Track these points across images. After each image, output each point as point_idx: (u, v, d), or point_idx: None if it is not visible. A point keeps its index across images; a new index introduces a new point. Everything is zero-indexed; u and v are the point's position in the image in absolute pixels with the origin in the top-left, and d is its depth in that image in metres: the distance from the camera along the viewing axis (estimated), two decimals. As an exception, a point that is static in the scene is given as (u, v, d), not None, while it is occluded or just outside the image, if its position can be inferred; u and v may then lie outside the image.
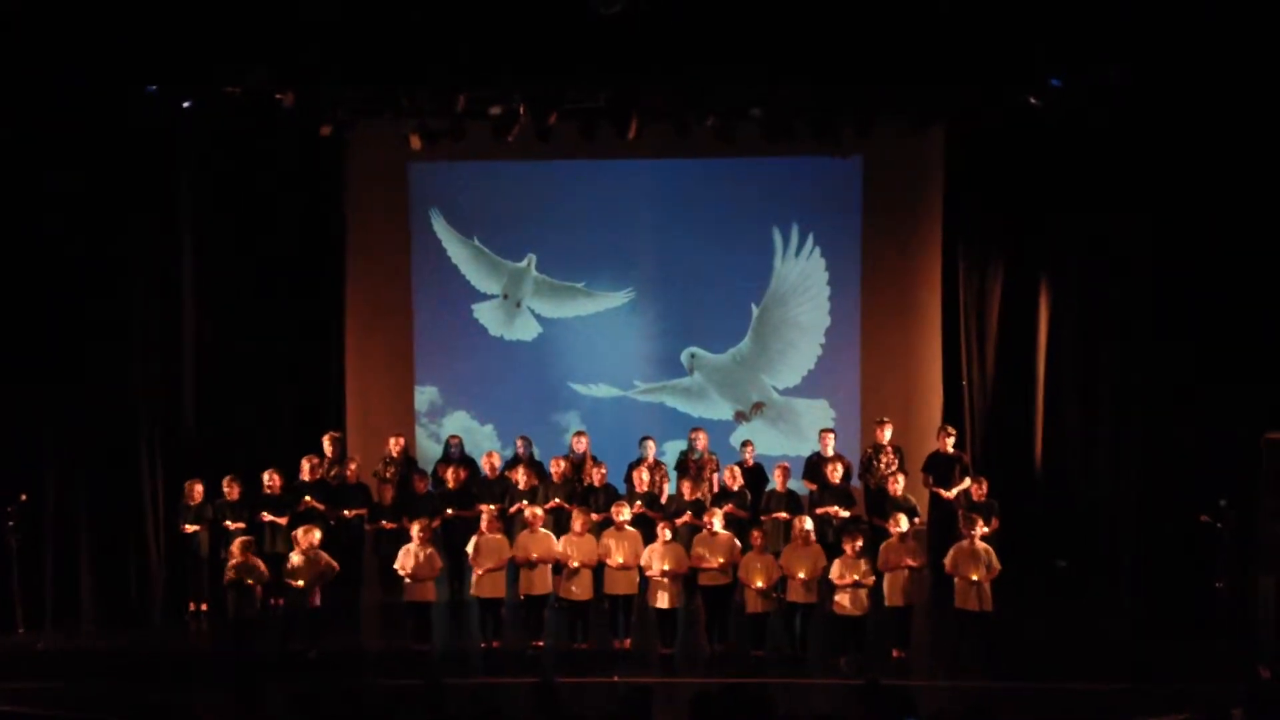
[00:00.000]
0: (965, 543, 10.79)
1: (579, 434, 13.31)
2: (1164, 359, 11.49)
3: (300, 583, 10.87)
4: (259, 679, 10.48)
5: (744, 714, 7.17)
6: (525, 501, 12.10)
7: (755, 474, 12.66)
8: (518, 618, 11.52)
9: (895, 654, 10.88)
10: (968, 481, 12.45)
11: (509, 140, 13.06)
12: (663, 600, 10.97)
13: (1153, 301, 11.62)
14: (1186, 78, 11.08)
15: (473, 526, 11.62)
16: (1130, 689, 10.16)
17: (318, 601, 11.05)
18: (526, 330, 15.18)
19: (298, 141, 13.57)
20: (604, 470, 12.45)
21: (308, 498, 12.31)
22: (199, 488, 12.17)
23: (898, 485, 11.97)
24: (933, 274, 14.47)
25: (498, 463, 12.85)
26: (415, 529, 11.19)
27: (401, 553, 11.23)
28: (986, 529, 11.07)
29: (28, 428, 11.72)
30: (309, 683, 10.20)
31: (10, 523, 11.45)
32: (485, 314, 15.20)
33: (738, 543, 11.08)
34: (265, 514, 12.13)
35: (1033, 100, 12.45)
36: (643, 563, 11.04)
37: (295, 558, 10.98)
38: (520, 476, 12.45)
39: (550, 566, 11.24)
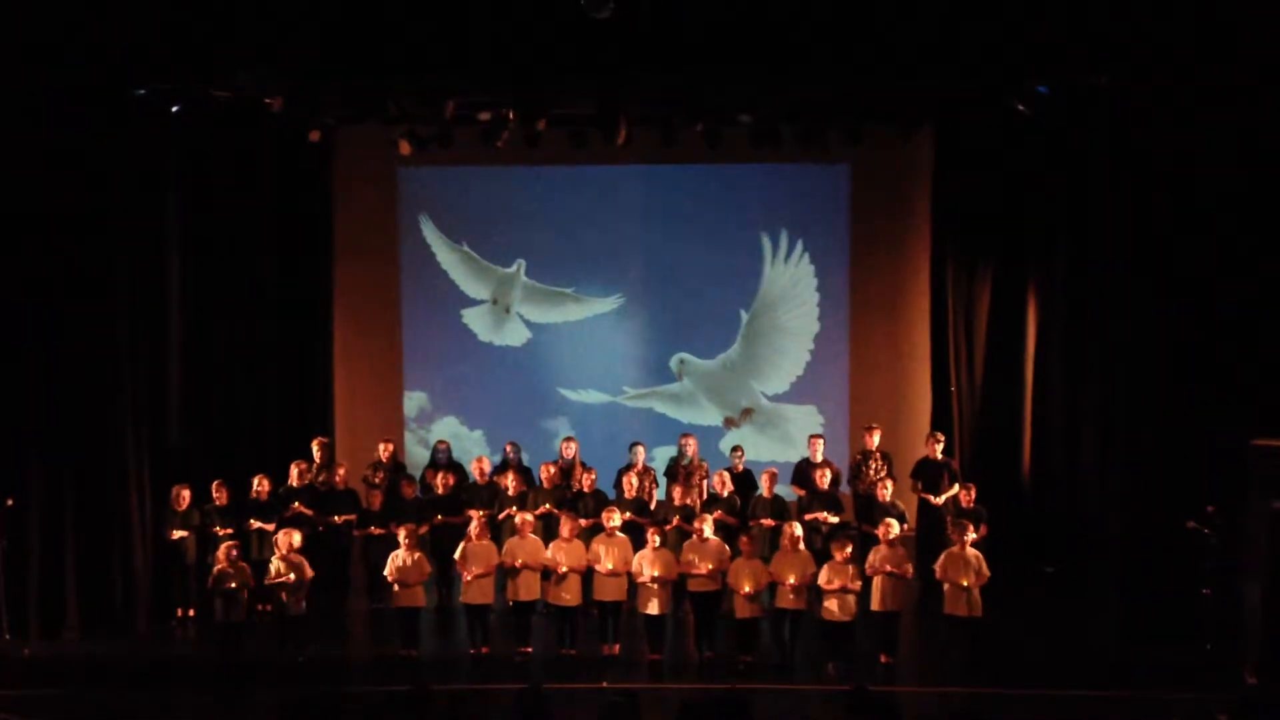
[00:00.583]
0: (954, 548, 10.80)
1: (568, 439, 13.29)
2: (1151, 365, 11.52)
3: (292, 576, 10.82)
4: (245, 685, 10.48)
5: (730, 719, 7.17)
6: (514, 507, 12.08)
7: (745, 480, 12.66)
8: (506, 623, 11.50)
9: (883, 660, 10.88)
10: (956, 487, 12.46)
11: (498, 145, 13.08)
12: (651, 606, 10.95)
13: (1140, 308, 11.64)
14: (1172, 84, 11.11)
15: (461, 532, 11.59)
16: (1117, 695, 10.18)
17: (303, 607, 11.01)
18: (516, 335, 15.18)
19: (286, 146, 13.56)
20: (593, 476, 12.44)
21: (296, 503, 12.28)
22: (186, 493, 12.13)
23: (886, 491, 11.98)
24: (921, 280, 14.51)
25: (487, 468, 12.83)
26: (403, 534, 11.16)
27: (390, 558, 11.20)
28: (975, 535, 11.08)
29: (13, 432, 11.66)
30: (296, 689, 10.16)
31: (-4, 528, 11.43)
32: (474, 319, 15.19)
33: (727, 549, 11.07)
34: (253, 521, 12.09)
35: (1020, 107, 12.48)
36: (632, 569, 11.03)
37: (276, 563, 10.93)
38: (509, 482, 12.43)
39: (539, 572, 11.22)
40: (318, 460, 12.95)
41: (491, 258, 15.12)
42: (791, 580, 10.73)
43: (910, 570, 10.96)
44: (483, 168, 14.59)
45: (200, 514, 12.12)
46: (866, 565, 10.93)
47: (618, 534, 11.22)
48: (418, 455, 14.75)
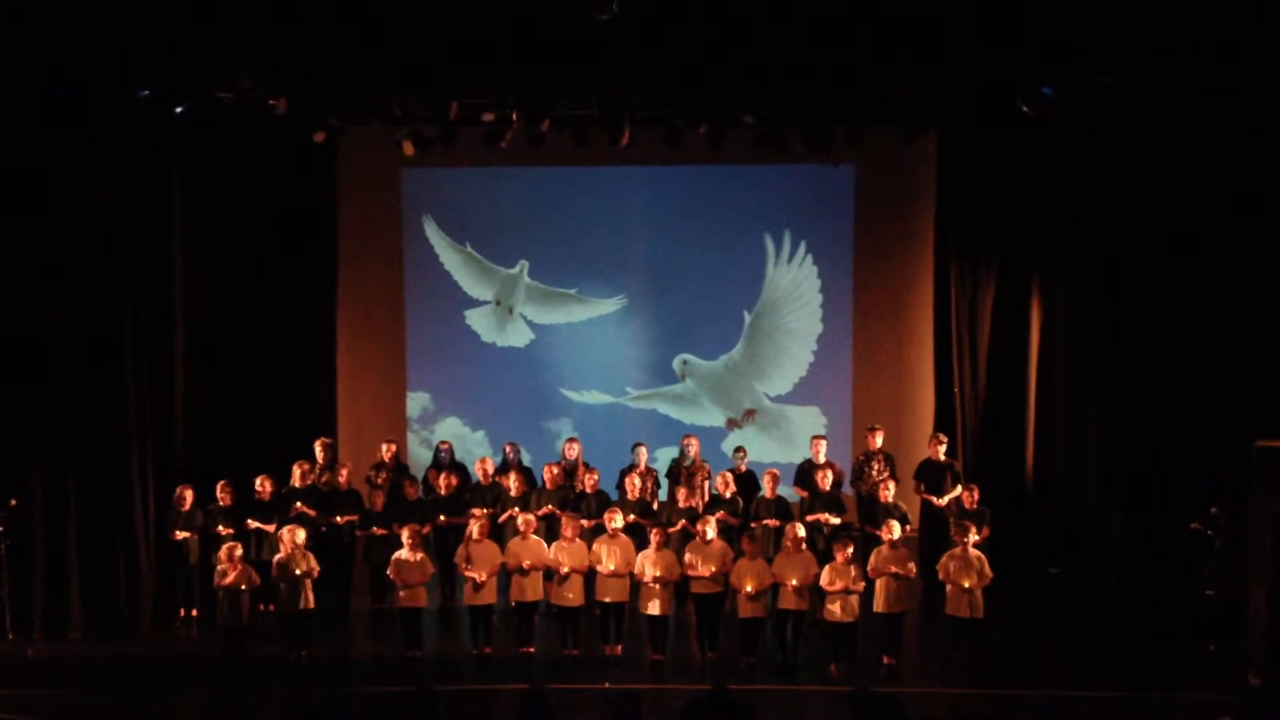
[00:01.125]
0: (957, 550, 10.79)
1: (571, 440, 13.30)
2: (1155, 366, 11.51)
3: (302, 569, 10.84)
4: (248, 686, 10.48)
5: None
6: (516, 508, 12.09)
7: (748, 481, 12.66)
8: (509, 624, 11.50)
9: (886, 661, 10.87)
10: (959, 489, 12.46)
11: (502, 146, 13.08)
12: (654, 607, 10.95)
13: (1144, 308, 11.63)
14: (1177, 86, 11.10)
15: (463, 532, 11.60)
16: (1120, 696, 10.16)
17: (311, 604, 11.03)
18: (519, 336, 15.18)
19: (290, 147, 13.58)
20: (596, 477, 12.45)
21: (299, 504, 12.29)
22: (189, 494, 12.14)
23: (888, 492, 11.98)
24: (925, 281, 14.50)
25: (491, 468, 12.83)
26: (406, 534, 11.17)
27: (392, 559, 11.20)
28: (978, 536, 11.08)
29: (17, 432, 11.67)
30: (299, 689, 10.17)
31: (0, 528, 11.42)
32: (477, 320, 15.20)
33: (730, 550, 11.07)
34: (252, 521, 12.10)
35: (1024, 108, 12.48)
36: (635, 569, 11.03)
37: (288, 556, 10.95)
38: (512, 483, 12.44)
39: (541, 573, 11.23)
40: (320, 461, 12.97)
41: (495, 259, 15.13)
42: (794, 581, 10.72)
43: (913, 571, 10.96)
44: (486, 169, 14.59)
45: (203, 514, 12.13)
46: (869, 566, 10.92)
47: (620, 535, 11.22)
48: (420, 456, 14.76)
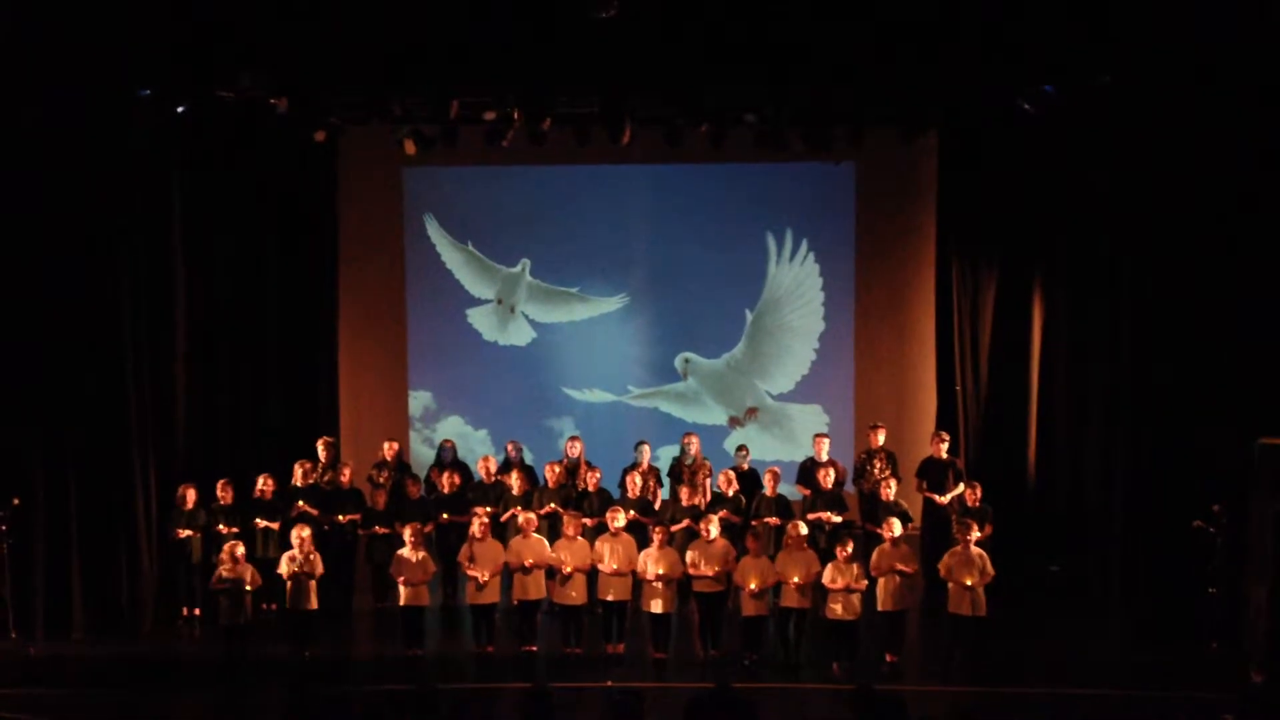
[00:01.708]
0: (959, 548, 10.79)
1: (573, 439, 13.30)
2: (1157, 363, 11.51)
3: (313, 568, 10.90)
4: (250, 685, 10.49)
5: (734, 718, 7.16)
6: (519, 507, 12.09)
7: (750, 479, 12.66)
8: (511, 623, 11.51)
9: (888, 659, 10.88)
10: (961, 487, 12.46)
11: (503, 145, 13.08)
12: (656, 605, 10.95)
13: (1146, 306, 11.63)
14: (1178, 85, 11.10)
15: (466, 531, 11.60)
16: (1123, 694, 10.17)
17: (314, 603, 11.05)
18: (520, 335, 15.18)
19: (291, 147, 13.58)
20: (598, 475, 12.45)
21: (301, 503, 12.29)
22: (191, 493, 12.14)
23: (889, 490, 11.97)
24: (926, 279, 14.50)
25: (493, 467, 12.83)
26: (408, 533, 11.17)
27: (394, 557, 11.21)
28: (980, 534, 11.08)
29: (19, 432, 11.68)
30: (301, 688, 10.16)
31: (2, 527, 11.41)
32: (479, 319, 15.20)
33: (733, 549, 11.07)
34: (258, 520, 12.11)
35: (1026, 106, 12.47)
36: (637, 567, 11.03)
37: (297, 555, 10.98)
38: (514, 481, 12.44)
39: (544, 571, 11.23)
40: (323, 460, 12.97)
41: (496, 257, 15.13)
42: (796, 579, 10.73)
43: (914, 568, 10.96)
44: (488, 167, 14.59)
45: (205, 513, 12.13)
46: (871, 564, 10.93)
47: (623, 533, 11.23)
48: (423, 454, 14.76)
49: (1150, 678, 10.41)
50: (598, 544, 11.21)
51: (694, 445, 13.06)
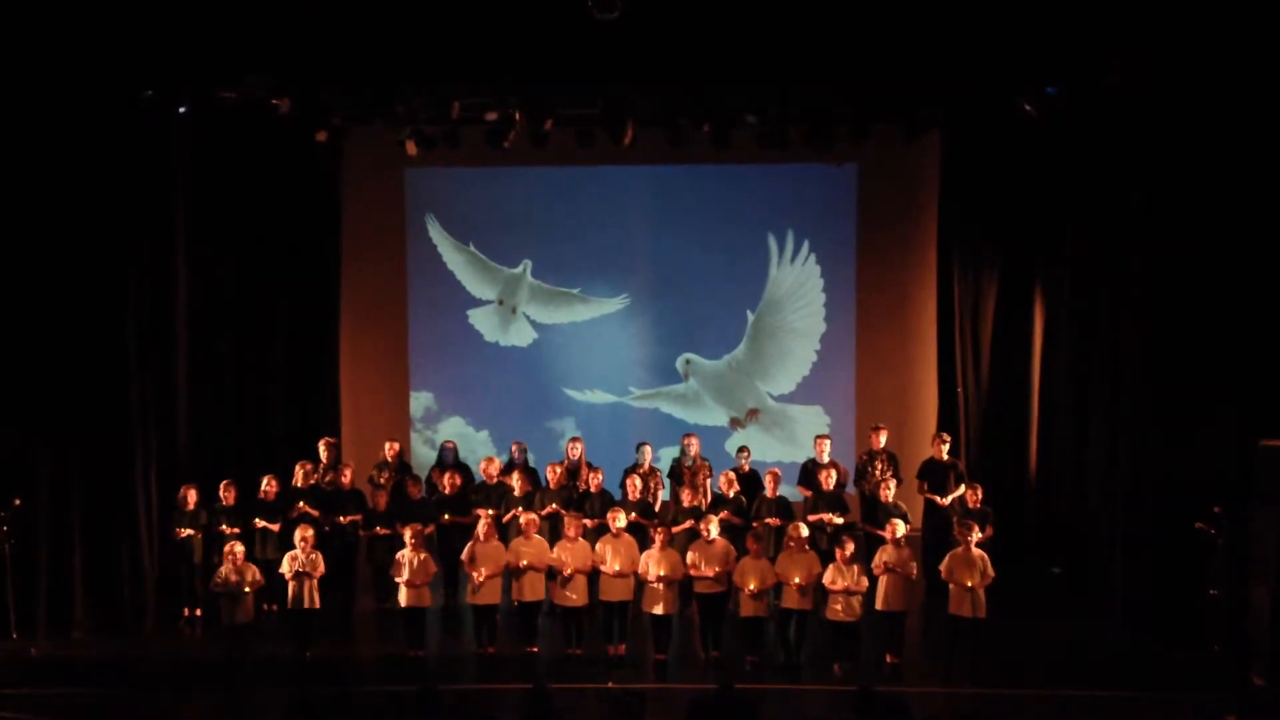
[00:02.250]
0: (960, 549, 10.79)
1: (574, 440, 13.30)
2: (1159, 365, 11.50)
3: (316, 569, 10.91)
4: (252, 686, 10.49)
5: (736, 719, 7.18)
6: (520, 507, 12.09)
7: (750, 480, 12.66)
8: (512, 623, 11.51)
9: (889, 660, 10.88)
10: (962, 488, 12.44)
11: (505, 146, 13.08)
12: (657, 606, 10.96)
13: (1148, 307, 11.62)
14: (1181, 86, 11.09)
15: (468, 532, 11.61)
16: (1124, 696, 10.16)
17: (317, 604, 11.06)
18: (522, 336, 15.19)
19: (294, 147, 13.58)
20: (599, 476, 12.44)
21: (302, 503, 12.29)
22: (193, 494, 12.15)
23: (889, 491, 11.97)
24: (928, 280, 14.50)
25: (496, 469, 12.83)
26: (409, 534, 11.17)
27: (396, 558, 11.22)
28: (981, 536, 11.08)
29: (21, 432, 11.68)
30: (303, 689, 10.18)
31: (3, 528, 11.42)
32: (481, 319, 15.21)
33: (733, 550, 11.07)
34: (259, 520, 12.12)
35: (1027, 107, 12.47)
36: (638, 569, 11.03)
37: (288, 565, 10.98)
38: (515, 482, 12.44)
39: (545, 572, 11.23)
40: (324, 460, 12.97)
41: (498, 258, 15.14)
42: (797, 580, 10.73)
43: (915, 570, 10.96)
44: (489, 168, 14.61)
45: (207, 514, 12.14)
46: (873, 566, 10.94)
47: (624, 534, 11.23)
48: (424, 455, 14.77)
49: (1152, 680, 10.40)
50: (599, 545, 11.21)
51: (694, 446, 13.06)
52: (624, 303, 15.07)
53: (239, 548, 10.96)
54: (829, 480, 12.34)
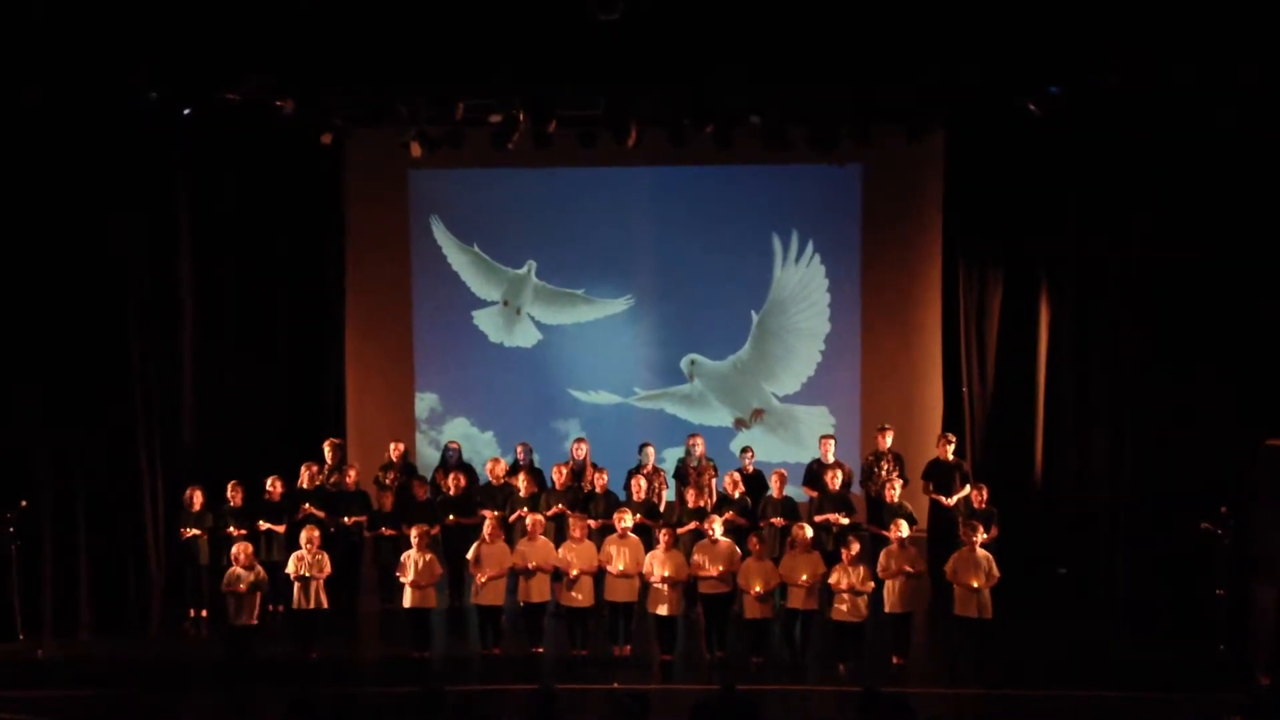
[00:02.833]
0: (965, 550, 10.80)
1: (579, 441, 13.30)
2: (1164, 365, 11.49)
3: (321, 570, 10.91)
4: (256, 686, 10.51)
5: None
6: (525, 508, 12.10)
7: (755, 480, 12.66)
8: (517, 625, 11.52)
9: (894, 661, 10.88)
10: (968, 489, 12.44)
11: (508, 147, 13.08)
12: (662, 607, 10.96)
13: (1152, 308, 11.62)
14: (1185, 86, 11.08)
15: (472, 533, 11.62)
16: (1129, 696, 10.16)
17: (324, 604, 11.07)
18: (526, 337, 15.20)
19: (297, 149, 13.60)
20: (605, 477, 12.45)
21: (307, 505, 12.31)
22: (199, 494, 12.18)
23: (894, 492, 11.96)
24: (933, 281, 14.48)
25: (502, 470, 12.83)
26: (414, 535, 11.18)
27: (401, 559, 11.23)
28: (986, 536, 11.08)
29: (26, 434, 11.71)
30: (307, 690, 10.18)
31: (10, 529, 11.44)
32: (485, 320, 15.21)
33: (738, 551, 11.08)
34: (263, 522, 12.13)
35: (1032, 107, 12.46)
36: (643, 570, 11.04)
37: (294, 566, 11.00)
38: (521, 483, 12.45)
39: (550, 574, 11.24)
40: (329, 461, 12.98)
41: (502, 259, 15.14)
42: (803, 580, 10.73)
43: (921, 570, 10.95)
44: (493, 169, 14.60)
45: (213, 515, 12.16)
46: (878, 566, 10.93)
47: (629, 535, 11.23)
48: (429, 456, 14.77)
49: (1156, 680, 10.40)
50: (605, 546, 11.22)
51: (699, 446, 13.06)
52: (628, 303, 15.07)
53: (248, 549, 10.98)
54: (834, 481, 12.35)
